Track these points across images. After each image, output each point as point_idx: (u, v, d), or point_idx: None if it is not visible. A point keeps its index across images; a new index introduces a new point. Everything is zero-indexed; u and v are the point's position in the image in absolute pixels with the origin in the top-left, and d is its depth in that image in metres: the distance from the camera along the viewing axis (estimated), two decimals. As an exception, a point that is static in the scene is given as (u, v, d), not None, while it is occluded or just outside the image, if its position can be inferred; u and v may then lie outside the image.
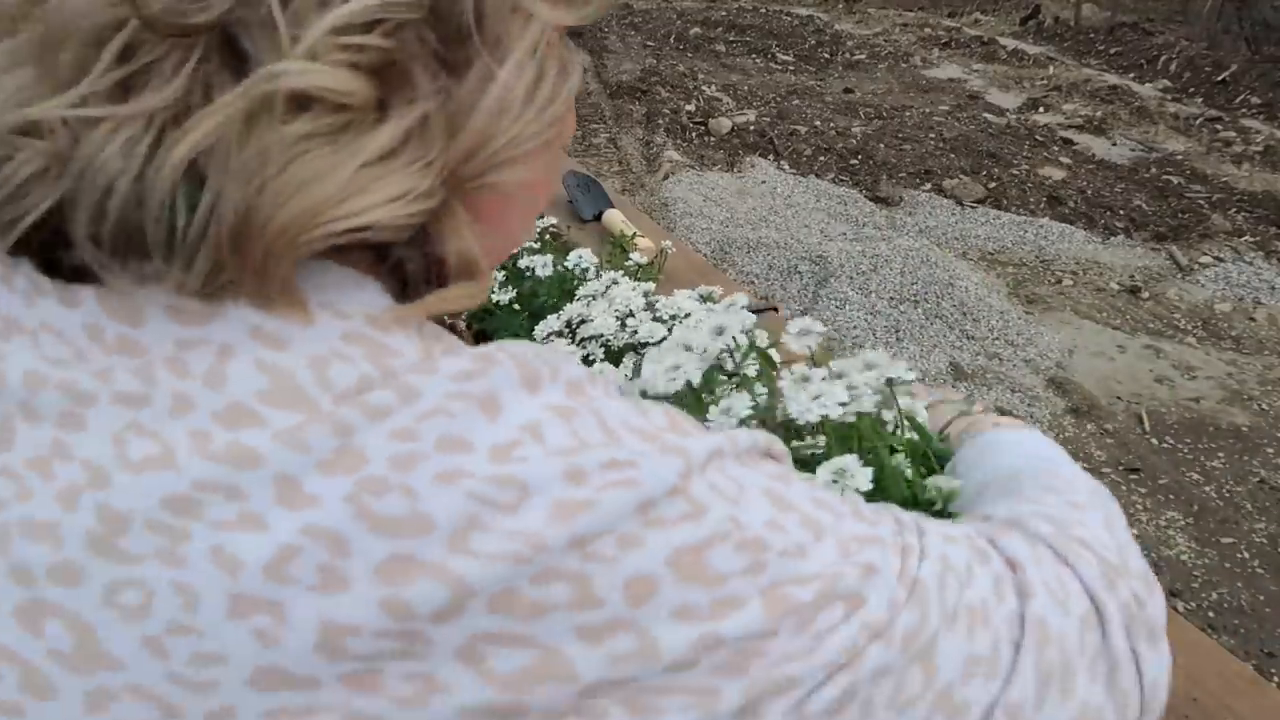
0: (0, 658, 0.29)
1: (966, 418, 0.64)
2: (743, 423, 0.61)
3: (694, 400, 0.64)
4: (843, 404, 0.59)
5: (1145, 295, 3.46)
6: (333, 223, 0.29)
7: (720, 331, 0.63)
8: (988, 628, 0.36)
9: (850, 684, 0.32)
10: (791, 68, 6.32)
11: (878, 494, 0.56)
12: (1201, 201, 4.25)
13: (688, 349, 0.63)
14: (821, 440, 0.62)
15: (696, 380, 0.62)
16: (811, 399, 0.59)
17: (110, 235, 0.29)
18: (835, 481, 0.55)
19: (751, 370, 0.67)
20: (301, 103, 0.28)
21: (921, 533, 0.38)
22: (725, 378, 0.66)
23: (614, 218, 1.48)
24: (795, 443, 0.63)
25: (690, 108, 5.05)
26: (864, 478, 0.55)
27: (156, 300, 0.30)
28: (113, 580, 0.28)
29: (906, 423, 0.63)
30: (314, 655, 0.28)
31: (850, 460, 0.56)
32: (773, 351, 0.70)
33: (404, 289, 0.34)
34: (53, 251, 0.31)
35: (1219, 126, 5.26)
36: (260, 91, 0.28)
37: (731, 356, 0.65)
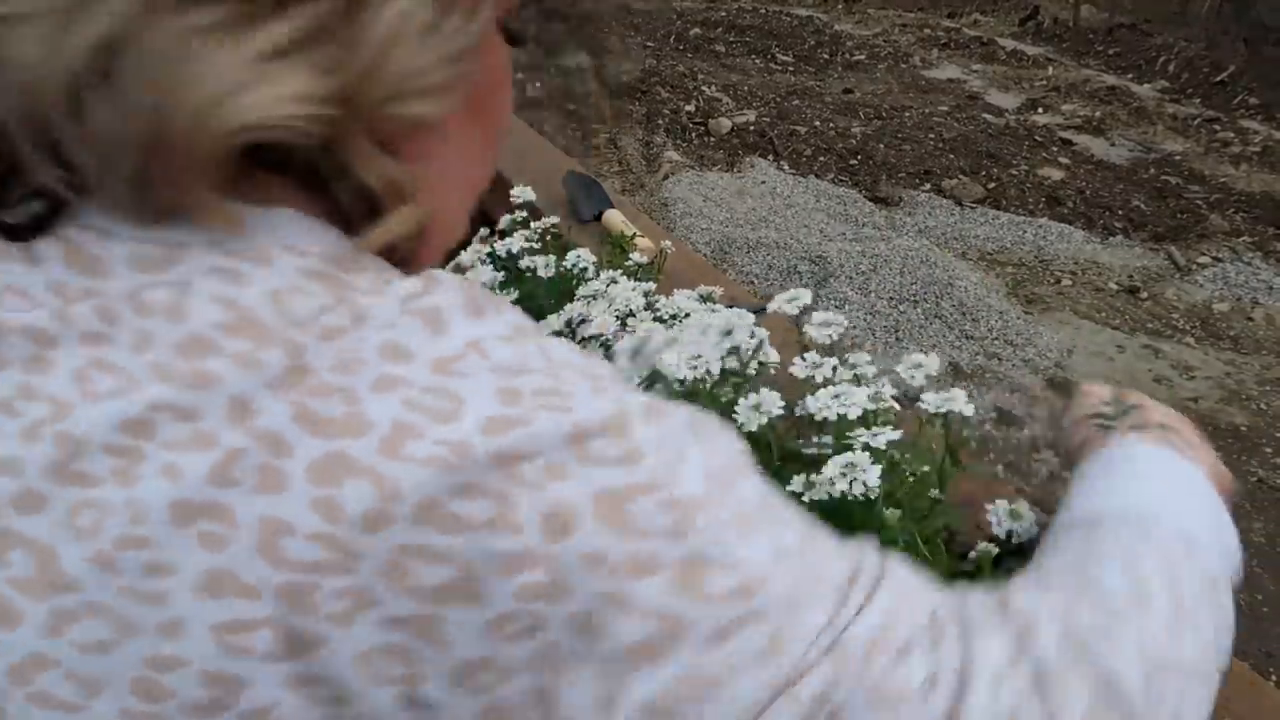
0: None
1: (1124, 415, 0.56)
2: (772, 421, 0.62)
3: (706, 395, 0.65)
4: (865, 407, 0.60)
5: (1144, 295, 3.46)
6: (235, 114, 0.29)
7: (729, 332, 0.65)
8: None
9: None
10: (791, 68, 6.32)
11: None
12: (1200, 202, 4.26)
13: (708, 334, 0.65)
14: (829, 440, 0.63)
15: (716, 371, 0.63)
16: (832, 397, 0.60)
17: (50, 143, 0.29)
18: (844, 474, 0.55)
19: (755, 367, 0.68)
20: None
21: (876, 586, 0.35)
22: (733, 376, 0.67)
23: (614, 218, 1.48)
24: (816, 437, 0.64)
25: (690, 108, 5.05)
26: (873, 474, 0.55)
27: (119, 254, 0.31)
28: (73, 503, 0.29)
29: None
30: (257, 559, 0.28)
31: (861, 456, 0.56)
32: (772, 351, 0.71)
33: (348, 231, 0.34)
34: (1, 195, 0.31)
35: (1217, 127, 5.26)
36: None
37: (738, 355, 0.65)
